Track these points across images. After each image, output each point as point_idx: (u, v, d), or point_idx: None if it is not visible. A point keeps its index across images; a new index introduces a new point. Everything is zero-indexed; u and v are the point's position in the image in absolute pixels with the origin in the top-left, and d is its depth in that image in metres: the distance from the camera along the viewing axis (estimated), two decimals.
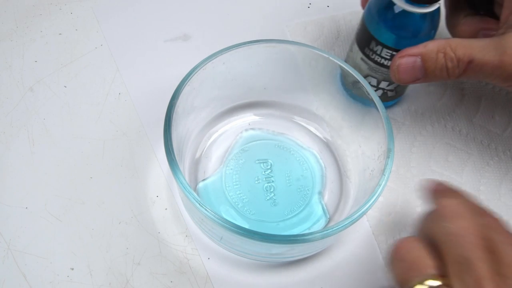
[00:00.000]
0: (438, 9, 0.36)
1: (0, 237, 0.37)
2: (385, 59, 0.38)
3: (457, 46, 0.27)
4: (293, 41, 0.38)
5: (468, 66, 0.27)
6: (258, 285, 0.36)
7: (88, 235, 0.38)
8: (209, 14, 0.50)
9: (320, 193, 0.39)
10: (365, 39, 0.38)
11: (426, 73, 0.29)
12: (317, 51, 0.37)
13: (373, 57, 0.38)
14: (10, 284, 0.36)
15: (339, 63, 0.37)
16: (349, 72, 0.36)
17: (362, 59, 0.39)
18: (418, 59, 0.29)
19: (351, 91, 0.38)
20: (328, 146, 0.42)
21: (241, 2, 0.51)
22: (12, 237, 0.37)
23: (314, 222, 0.38)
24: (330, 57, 0.37)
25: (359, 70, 0.39)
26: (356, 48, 0.40)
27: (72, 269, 0.36)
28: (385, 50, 0.37)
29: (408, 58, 0.29)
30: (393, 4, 0.35)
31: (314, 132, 0.42)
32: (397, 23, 0.36)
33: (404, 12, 0.35)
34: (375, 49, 0.38)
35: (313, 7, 0.51)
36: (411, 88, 0.45)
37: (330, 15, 0.50)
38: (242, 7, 0.51)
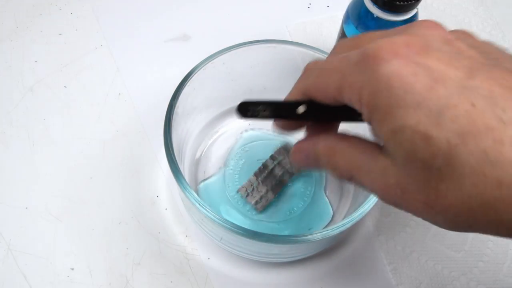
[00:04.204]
0: (416, 15, 0.36)
1: (0, 237, 0.37)
2: None
3: (342, 155, 0.24)
4: (293, 41, 0.38)
5: (351, 180, 0.24)
6: (258, 285, 0.36)
7: (88, 235, 0.38)
8: (209, 14, 0.50)
9: (323, 191, 0.39)
10: None
11: (320, 166, 0.26)
12: (317, 52, 0.37)
13: None
14: (10, 284, 0.36)
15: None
16: None
17: None
18: (311, 154, 0.26)
19: None
20: None
21: (241, 2, 0.51)
22: (12, 237, 0.37)
23: (316, 222, 0.38)
24: None
25: None
26: None
27: (72, 269, 0.36)
28: None
29: (300, 153, 0.26)
30: (370, 12, 0.35)
31: None
32: (375, 30, 0.36)
33: (380, 19, 0.35)
34: None
35: (313, 7, 0.51)
36: None
37: (330, 15, 0.50)
38: (242, 7, 0.51)
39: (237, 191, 0.38)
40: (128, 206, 0.39)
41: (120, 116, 0.43)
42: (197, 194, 0.38)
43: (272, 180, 0.38)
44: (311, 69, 0.26)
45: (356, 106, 0.22)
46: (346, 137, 0.25)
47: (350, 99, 0.22)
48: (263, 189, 0.38)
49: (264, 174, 0.38)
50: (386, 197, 0.22)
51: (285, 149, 0.40)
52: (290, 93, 0.26)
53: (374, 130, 0.22)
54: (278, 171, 0.39)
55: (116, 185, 0.40)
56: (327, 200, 0.39)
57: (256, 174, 0.39)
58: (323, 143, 0.25)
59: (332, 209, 0.39)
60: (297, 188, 0.39)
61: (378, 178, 0.22)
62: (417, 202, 0.20)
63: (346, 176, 0.24)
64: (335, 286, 0.37)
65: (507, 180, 0.17)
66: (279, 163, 0.39)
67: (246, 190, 0.38)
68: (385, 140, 0.21)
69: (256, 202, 0.38)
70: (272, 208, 0.38)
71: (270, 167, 0.39)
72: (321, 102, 0.24)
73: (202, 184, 0.39)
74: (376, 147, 0.23)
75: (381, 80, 0.20)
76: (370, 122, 0.21)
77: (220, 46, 0.36)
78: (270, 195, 0.38)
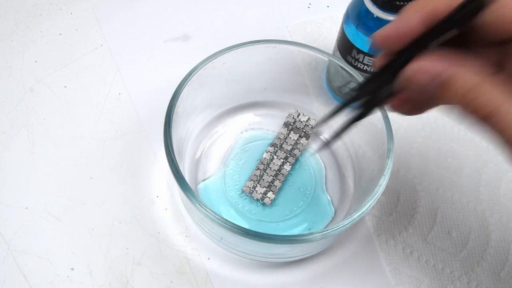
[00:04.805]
0: None
1: (0, 237, 0.37)
2: (369, 65, 0.38)
3: (491, 88, 0.21)
4: (293, 41, 0.38)
5: (485, 119, 0.21)
6: (258, 285, 0.36)
7: (88, 235, 0.38)
8: (209, 14, 0.50)
9: (324, 191, 0.39)
10: (346, 47, 0.39)
11: (435, 99, 0.22)
12: (317, 52, 0.37)
13: (356, 64, 0.39)
14: (10, 284, 0.36)
15: (339, 63, 0.37)
16: (349, 72, 0.36)
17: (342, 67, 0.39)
18: (442, 77, 0.21)
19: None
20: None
21: (241, 2, 0.51)
22: (12, 237, 0.37)
23: (316, 221, 0.38)
24: (330, 58, 0.37)
25: (341, 77, 0.39)
26: (338, 55, 0.40)
27: (72, 269, 0.36)
28: (366, 57, 0.37)
29: (425, 74, 0.22)
30: (370, 12, 0.35)
31: None
32: (375, 30, 0.36)
33: (380, 19, 0.35)
34: (357, 57, 0.38)
35: (313, 7, 0.51)
36: None
37: (330, 15, 0.50)
38: (242, 7, 0.51)
39: (242, 192, 0.38)
40: (128, 206, 0.39)
41: (120, 116, 0.43)
42: (197, 194, 0.39)
43: (274, 168, 0.39)
44: None
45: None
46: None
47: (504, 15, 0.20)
48: (267, 181, 0.38)
49: (264, 166, 0.39)
50: None
51: (286, 125, 0.40)
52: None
53: None
54: (277, 161, 0.39)
55: (116, 185, 0.40)
56: (328, 199, 0.39)
57: (258, 167, 0.39)
58: (470, 66, 0.21)
59: (333, 208, 0.39)
60: (297, 187, 0.39)
61: None
62: None
63: (485, 112, 0.21)
64: (335, 286, 0.37)
65: None
66: (278, 151, 0.39)
67: (249, 188, 0.38)
68: None
69: (262, 198, 0.38)
70: (272, 208, 0.38)
71: (269, 158, 0.39)
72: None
73: (202, 184, 0.39)
74: None
75: None
76: None
77: (220, 46, 0.36)
78: (277, 184, 0.38)
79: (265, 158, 0.39)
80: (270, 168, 0.39)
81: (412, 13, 0.22)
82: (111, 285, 0.36)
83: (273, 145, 0.40)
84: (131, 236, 0.38)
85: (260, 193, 0.38)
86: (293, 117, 0.41)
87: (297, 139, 0.40)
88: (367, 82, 0.24)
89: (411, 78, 0.22)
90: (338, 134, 0.28)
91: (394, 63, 0.23)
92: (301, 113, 0.41)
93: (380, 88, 0.24)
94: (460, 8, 0.21)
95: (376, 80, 0.24)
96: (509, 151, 0.21)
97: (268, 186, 0.38)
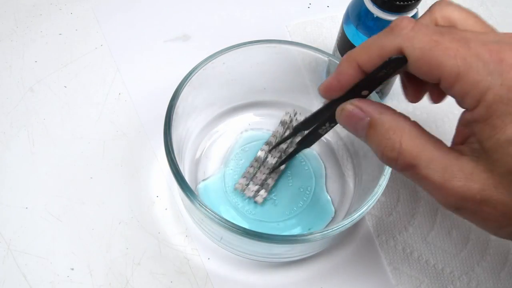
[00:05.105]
0: (416, 15, 0.36)
1: (0, 237, 0.37)
2: None
3: (409, 139, 0.22)
4: (293, 41, 0.38)
5: (408, 168, 0.22)
6: (258, 285, 0.36)
7: (88, 235, 0.38)
8: (209, 14, 0.50)
9: (324, 190, 0.39)
10: (346, 47, 0.39)
11: (366, 137, 0.25)
12: (317, 52, 0.37)
13: None
14: (10, 284, 0.36)
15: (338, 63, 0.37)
16: None
17: None
18: (367, 120, 0.24)
19: None
20: (328, 146, 0.42)
21: (241, 2, 0.51)
22: (12, 237, 0.37)
23: (316, 221, 0.38)
24: (330, 58, 0.37)
25: None
26: (338, 55, 0.40)
27: (72, 269, 0.36)
28: None
29: (358, 111, 0.25)
30: (370, 12, 0.35)
31: None
32: (375, 30, 0.36)
33: (380, 19, 0.35)
34: None
35: (313, 7, 0.51)
36: None
37: (330, 15, 0.50)
38: (242, 7, 0.51)
39: (235, 189, 0.38)
40: (128, 206, 0.39)
41: (120, 116, 0.43)
42: (197, 194, 0.39)
43: (268, 166, 0.39)
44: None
45: (467, 98, 0.21)
46: (411, 120, 0.24)
47: (464, 89, 0.21)
48: (260, 179, 0.38)
49: (258, 164, 0.39)
50: (452, 200, 0.22)
51: (282, 123, 0.40)
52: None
53: (481, 131, 0.21)
54: (272, 159, 0.39)
55: (116, 185, 0.40)
56: (328, 198, 0.39)
57: (252, 165, 0.39)
58: (390, 116, 0.24)
59: (334, 207, 0.39)
60: (297, 187, 0.39)
61: (455, 180, 0.21)
62: (495, 211, 0.21)
63: (408, 162, 0.22)
64: (335, 286, 0.37)
65: None
66: (273, 149, 0.39)
67: (242, 185, 0.38)
68: (493, 146, 0.20)
69: (255, 195, 0.38)
70: (272, 208, 0.38)
71: (263, 156, 0.39)
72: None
73: (202, 184, 0.39)
74: (450, 147, 0.22)
75: None
76: (477, 120, 0.21)
77: (220, 46, 0.36)
78: (270, 182, 0.38)
79: (259, 156, 0.39)
80: (264, 166, 0.39)
81: (344, 68, 0.25)
82: (111, 285, 0.36)
83: (268, 143, 0.40)
84: (131, 236, 0.38)
85: (253, 190, 0.38)
86: (290, 116, 0.41)
87: (293, 138, 0.40)
88: (309, 118, 0.30)
89: (337, 117, 0.26)
90: (283, 162, 0.38)
91: (332, 105, 0.27)
92: (298, 112, 0.41)
93: (318, 127, 0.29)
94: (382, 66, 0.24)
95: (314, 120, 0.29)
96: (437, 197, 0.22)
97: (261, 184, 0.38)
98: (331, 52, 0.43)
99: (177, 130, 0.35)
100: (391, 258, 0.38)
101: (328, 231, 0.30)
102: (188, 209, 0.37)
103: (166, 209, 0.39)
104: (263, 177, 0.38)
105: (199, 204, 0.30)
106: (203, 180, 0.39)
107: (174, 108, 0.34)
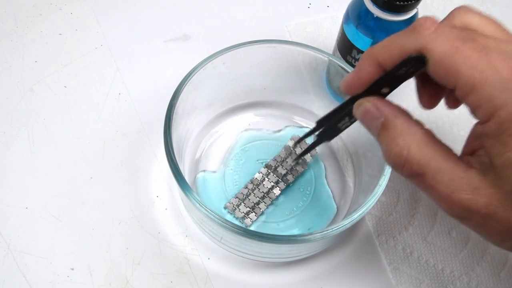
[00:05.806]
0: (416, 15, 0.36)
1: (0, 237, 0.37)
2: None
3: (418, 148, 0.23)
4: (293, 41, 0.38)
5: (415, 176, 0.23)
6: (258, 285, 0.36)
7: (88, 235, 0.38)
8: (209, 14, 0.50)
9: (325, 189, 0.39)
10: (346, 47, 0.39)
11: (377, 136, 0.25)
12: (317, 52, 0.37)
13: (356, 64, 0.39)
14: (10, 284, 0.36)
15: (339, 63, 0.37)
16: (349, 72, 0.36)
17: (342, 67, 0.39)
18: (381, 120, 0.24)
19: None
20: (328, 146, 0.42)
21: (241, 2, 0.51)
22: (12, 237, 0.37)
23: (316, 221, 0.38)
24: (330, 58, 0.37)
25: (341, 77, 0.39)
26: (338, 55, 0.40)
27: (72, 269, 0.36)
28: None
29: (374, 110, 0.25)
30: (370, 12, 0.35)
31: None
32: (375, 30, 0.36)
33: (380, 19, 0.35)
34: (357, 57, 0.38)
35: (313, 7, 0.51)
36: (410, 88, 0.45)
37: (330, 15, 0.50)
38: (242, 7, 0.51)
39: (224, 207, 0.38)
40: (128, 206, 0.39)
41: (120, 116, 0.43)
42: (195, 184, 0.38)
43: (263, 190, 0.38)
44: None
45: (480, 111, 0.21)
46: (424, 128, 0.24)
47: (478, 102, 0.21)
48: (252, 202, 0.37)
49: (253, 186, 0.38)
50: (457, 210, 0.22)
51: (285, 149, 0.40)
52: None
53: (492, 147, 0.21)
54: (268, 184, 0.38)
55: (116, 185, 0.40)
56: (330, 194, 0.39)
57: (247, 186, 0.38)
58: (404, 120, 0.24)
59: (335, 205, 0.39)
60: (297, 187, 0.39)
61: (462, 193, 0.21)
62: (499, 225, 0.21)
63: (414, 170, 0.23)
64: (335, 286, 0.37)
65: None
66: (271, 173, 0.39)
67: (233, 205, 0.37)
68: (503, 164, 0.21)
69: (244, 217, 0.37)
70: (272, 208, 0.38)
71: (260, 179, 0.38)
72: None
73: (201, 175, 0.39)
74: (459, 158, 0.23)
75: None
76: (488, 135, 0.21)
77: (220, 46, 0.36)
78: (262, 206, 0.38)
79: (256, 178, 0.38)
80: (259, 189, 0.38)
81: (364, 65, 0.25)
82: (111, 285, 0.36)
83: (267, 166, 0.39)
84: (131, 236, 0.38)
85: (243, 212, 0.37)
86: (294, 142, 0.40)
87: (294, 165, 0.39)
88: (328, 116, 0.30)
89: (354, 112, 0.27)
90: (304, 153, 0.37)
91: (353, 101, 0.27)
92: (303, 141, 0.39)
93: (339, 121, 0.29)
94: (402, 63, 0.24)
95: (336, 115, 0.29)
96: (443, 206, 0.23)
97: (252, 207, 0.37)
98: (331, 52, 0.43)
99: (177, 130, 0.35)
100: (391, 258, 0.38)
101: (328, 231, 0.30)
102: (188, 209, 0.37)
103: (166, 209, 0.39)
104: (256, 200, 0.38)
105: (199, 204, 0.30)
106: (203, 170, 0.39)
107: (174, 108, 0.34)
